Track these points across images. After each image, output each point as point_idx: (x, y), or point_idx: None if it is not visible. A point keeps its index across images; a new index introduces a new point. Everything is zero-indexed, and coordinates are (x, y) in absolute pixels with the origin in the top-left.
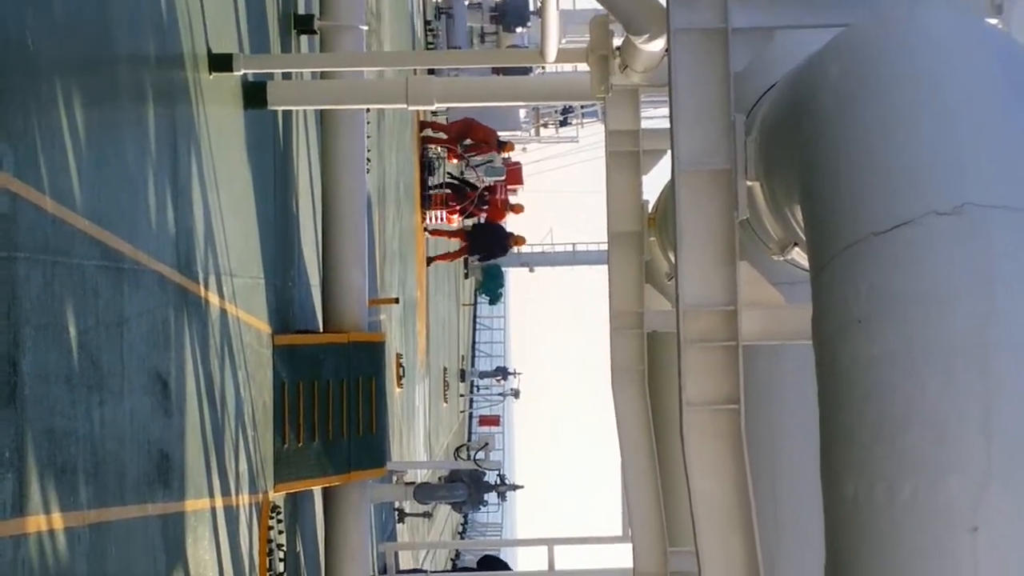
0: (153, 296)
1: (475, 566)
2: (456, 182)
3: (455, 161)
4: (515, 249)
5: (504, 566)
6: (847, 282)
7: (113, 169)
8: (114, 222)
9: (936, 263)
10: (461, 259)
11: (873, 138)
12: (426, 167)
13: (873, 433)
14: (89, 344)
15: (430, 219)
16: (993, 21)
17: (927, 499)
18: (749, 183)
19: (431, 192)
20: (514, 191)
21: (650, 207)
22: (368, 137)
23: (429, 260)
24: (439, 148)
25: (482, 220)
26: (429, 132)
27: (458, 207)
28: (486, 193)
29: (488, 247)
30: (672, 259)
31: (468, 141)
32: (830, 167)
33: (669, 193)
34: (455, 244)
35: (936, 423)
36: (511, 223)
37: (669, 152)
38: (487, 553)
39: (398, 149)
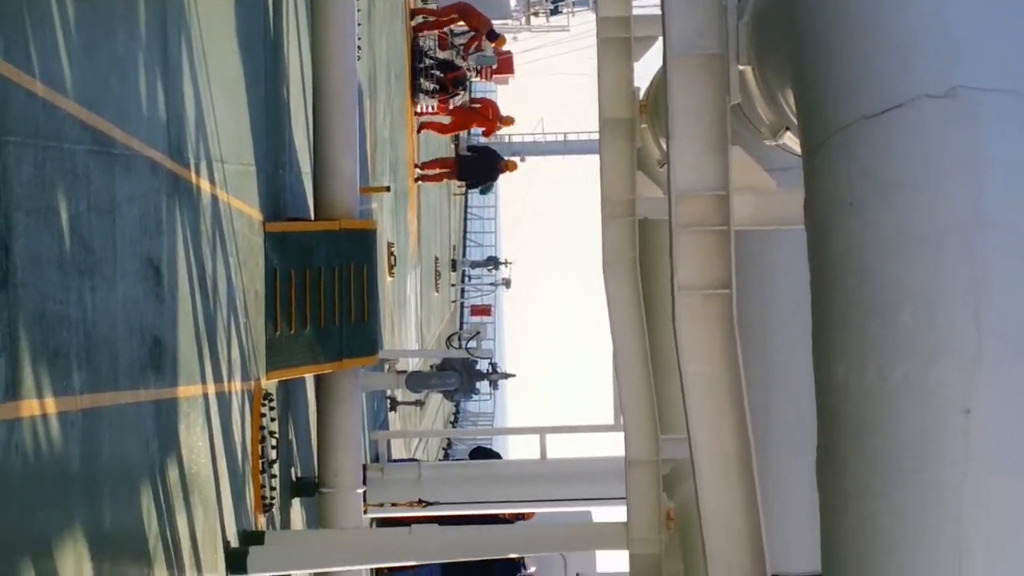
0: (144, 181)
1: (467, 457)
2: (444, 64)
3: (447, 50)
4: (508, 171)
5: (495, 457)
6: (839, 165)
7: (103, 53)
8: (105, 107)
9: (927, 146)
10: (453, 181)
11: (865, 21)
12: (417, 56)
13: (864, 316)
14: (81, 229)
15: (421, 108)
16: None
17: (918, 381)
18: (741, 67)
19: (422, 77)
20: (504, 81)
21: (641, 94)
22: (359, 25)
23: (418, 179)
24: (428, 33)
25: (477, 144)
26: (421, 20)
27: (448, 96)
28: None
29: (479, 173)
30: (664, 146)
31: (463, 27)
32: (822, 50)
33: (661, 79)
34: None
35: (927, 306)
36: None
37: (661, 38)
38: (479, 444)
39: (389, 37)
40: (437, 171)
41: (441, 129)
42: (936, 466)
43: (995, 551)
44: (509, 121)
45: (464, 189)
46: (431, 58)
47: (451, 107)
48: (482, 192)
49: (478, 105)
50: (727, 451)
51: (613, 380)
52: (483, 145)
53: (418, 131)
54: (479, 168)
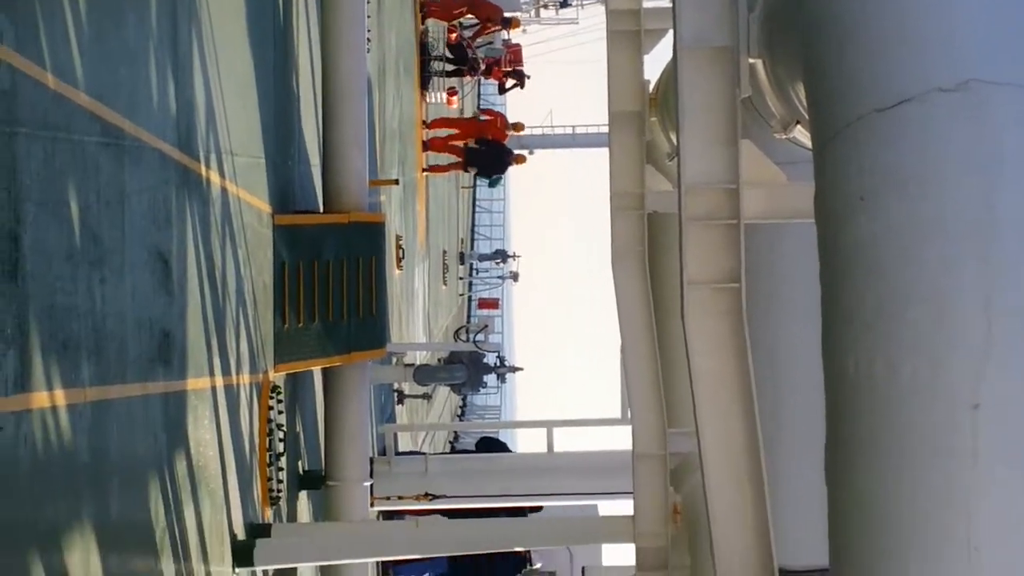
0: (154, 173)
1: (473, 448)
2: (453, 56)
3: (455, 41)
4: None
5: (503, 447)
6: (850, 159)
7: (113, 45)
8: (115, 99)
9: (939, 140)
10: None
11: (875, 14)
12: (426, 48)
13: (874, 310)
14: (90, 221)
15: (429, 97)
16: None
17: (927, 376)
18: (751, 60)
19: (431, 71)
20: (514, 69)
21: (651, 87)
22: (368, 17)
23: (425, 170)
24: (439, 22)
25: (482, 141)
26: (438, 9)
27: (456, 90)
28: (492, 63)
29: (488, 165)
30: (673, 139)
31: (472, 19)
32: (833, 43)
33: (671, 72)
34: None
35: (937, 301)
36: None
37: (671, 31)
38: (485, 435)
39: (398, 29)
40: (448, 160)
41: (446, 142)
42: (945, 460)
43: (1004, 545)
44: (519, 128)
45: (473, 180)
46: (439, 57)
47: (459, 99)
48: (491, 185)
49: (487, 117)
50: (735, 445)
51: (621, 374)
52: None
53: (424, 145)
54: (488, 159)
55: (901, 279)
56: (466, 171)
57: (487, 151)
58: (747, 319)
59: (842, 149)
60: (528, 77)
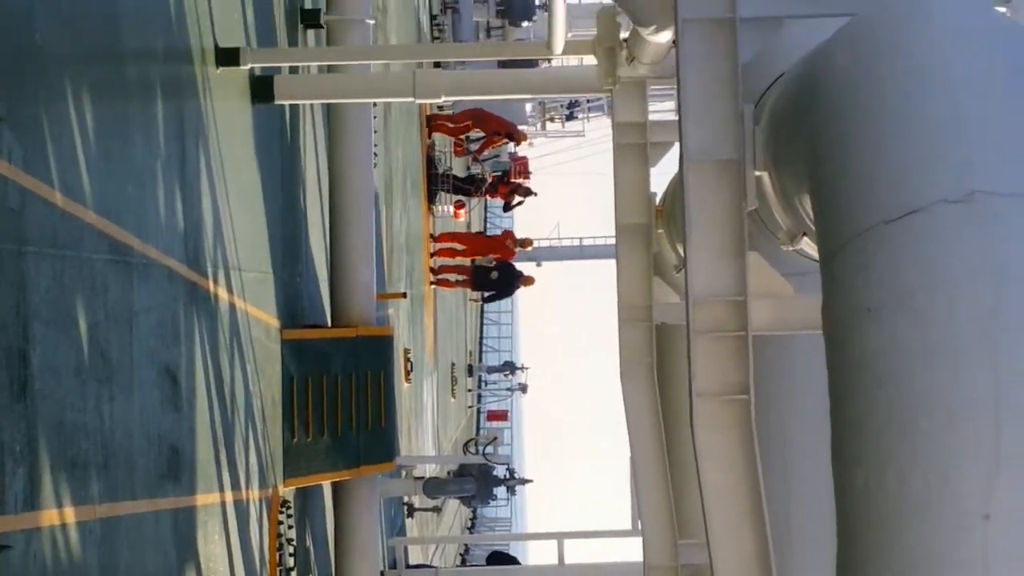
0: (162, 290)
1: (484, 562)
2: (460, 180)
3: (461, 155)
4: (526, 287)
5: (513, 561)
6: (857, 270)
7: (121, 163)
8: (123, 216)
9: (946, 251)
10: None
11: (881, 127)
12: (433, 163)
13: (884, 421)
14: (99, 338)
15: (436, 211)
16: (1001, 9)
17: (938, 487)
18: (757, 173)
19: (438, 185)
20: (525, 180)
21: (658, 199)
22: (375, 132)
23: (433, 282)
24: (445, 136)
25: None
26: (444, 123)
27: (463, 203)
28: (496, 179)
29: (498, 289)
30: (680, 251)
31: (478, 133)
32: (839, 156)
33: (677, 185)
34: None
35: (946, 411)
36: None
37: (677, 144)
38: (496, 549)
39: (405, 143)
40: (455, 277)
41: (453, 256)
42: (955, 572)
43: None
44: (527, 244)
45: (482, 301)
46: (448, 177)
47: (466, 211)
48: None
49: (497, 234)
50: (747, 558)
51: (631, 485)
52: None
53: (432, 255)
54: (497, 283)
55: (910, 390)
56: (474, 290)
57: (497, 275)
58: (757, 431)
59: (849, 260)
60: (534, 194)
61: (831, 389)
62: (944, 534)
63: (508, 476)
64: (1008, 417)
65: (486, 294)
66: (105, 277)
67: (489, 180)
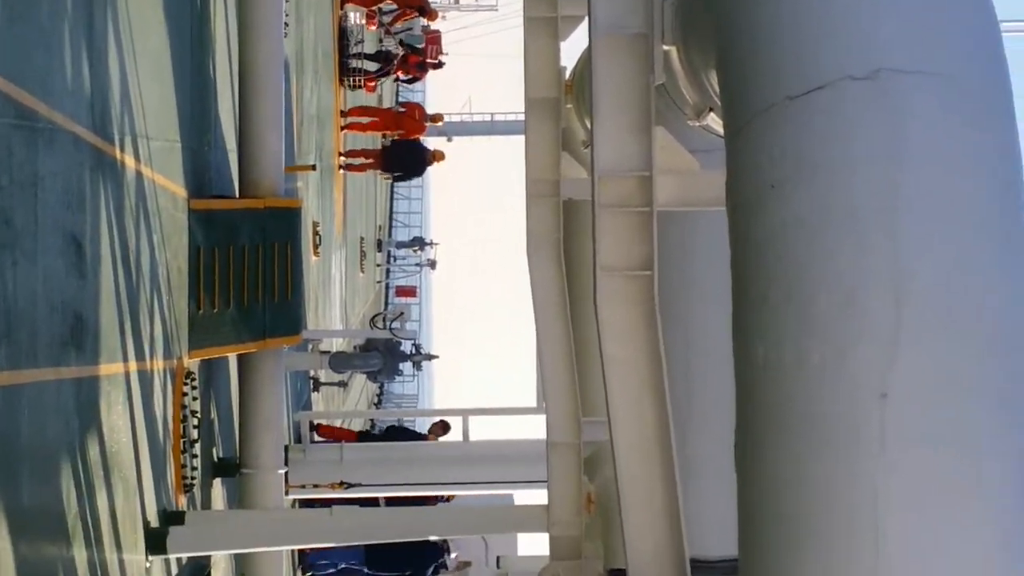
0: (68, 156)
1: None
2: (373, 56)
3: (374, 28)
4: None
5: (411, 435)
6: (761, 147)
7: (27, 26)
8: (29, 80)
9: (849, 128)
10: (380, 172)
11: (788, 2)
12: (345, 34)
13: (784, 297)
14: (2, 203)
15: (348, 84)
16: None
17: (835, 365)
18: (666, 47)
19: (350, 65)
20: (434, 62)
21: (567, 74)
22: (286, 1)
23: (342, 167)
24: (357, 7)
25: (396, 139)
26: None
27: (375, 76)
28: (406, 55)
29: (406, 166)
30: (589, 126)
31: (391, 5)
32: (746, 31)
33: (587, 58)
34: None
35: (846, 289)
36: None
37: (587, 17)
38: (393, 423)
39: (317, 14)
40: (362, 161)
41: (363, 129)
42: (852, 448)
43: (911, 529)
44: (438, 119)
45: (391, 181)
46: (359, 55)
47: (377, 85)
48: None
49: (403, 109)
50: (647, 433)
51: (536, 362)
52: (407, 139)
53: (342, 129)
54: (407, 161)
55: (810, 266)
56: (384, 172)
57: (405, 152)
58: (660, 307)
59: (753, 136)
60: (441, 65)
61: (733, 265)
62: (841, 412)
63: (414, 352)
64: (907, 295)
65: (396, 174)
66: (9, 141)
67: (400, 54)
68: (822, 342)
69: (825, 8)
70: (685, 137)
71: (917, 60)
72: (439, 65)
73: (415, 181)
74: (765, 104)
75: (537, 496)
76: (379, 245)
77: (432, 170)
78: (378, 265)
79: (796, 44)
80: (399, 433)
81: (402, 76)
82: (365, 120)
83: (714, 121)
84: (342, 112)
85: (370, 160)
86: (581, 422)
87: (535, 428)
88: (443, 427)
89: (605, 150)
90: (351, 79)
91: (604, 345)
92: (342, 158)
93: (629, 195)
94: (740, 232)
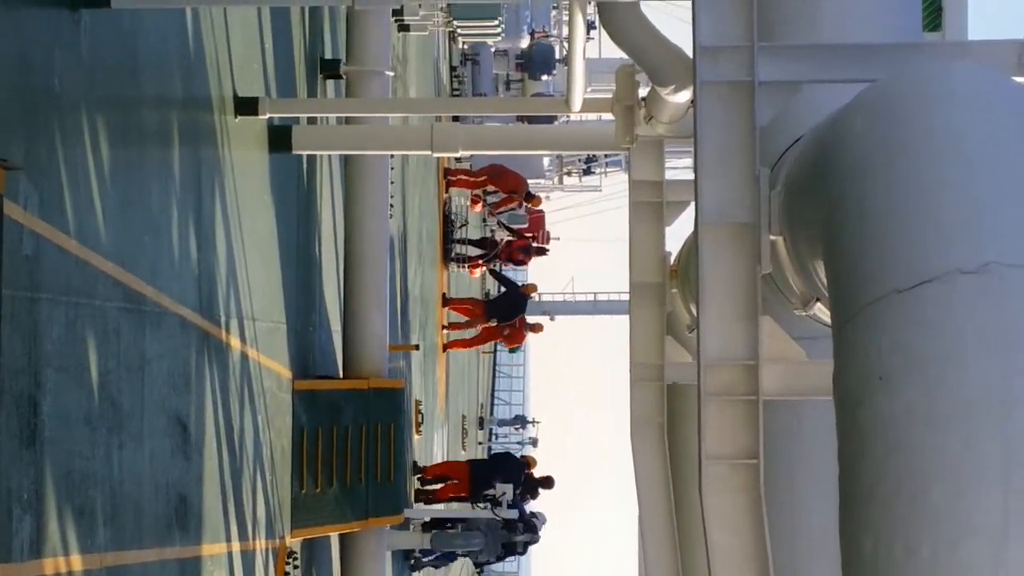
0: (174, 339)
1: None
2: (477, 242)
3: (478, 209)
4: (533, 296)
5: None
6: (869, 338)
7: (137, 211)
8: (137, 264)
9: (958, 321)
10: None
11: (897, 195)
12: (448, 220)
13: (892, 490)
14: (110, 386)
15: (452, 269)
16: (1020, 79)
17: (946, 558)
18: (772, 237)
19: (453, 246)
20: (540, 247)
21: (672, 259)
22: (391, 183)
23: (446, 347)
24: (462, 190)
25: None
26: (461, 177)
27: (480, 261)
28: (510, 241)
29: (505, 310)
30: (694, 311)
31: (493, 190)
32: (854, 223)
33: (692, 245)
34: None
35: (956, 482)
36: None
37: (693, 204)
38: None
39: (421, 196)
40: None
41: (467, 346)
42: None
43: None
44: (531, 289)
45: (494, 346)
46: (463, 241)
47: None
48: (511, 351)
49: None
50: None
51: (638, 544)
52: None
53: (444, 350)
54: (505, 304)
55: (920, 459)
56: (487, 322)
57: (501, 298)
58: (765, 495)
59: (862, 328)
60: (546, 251)
61: (840, 456)
62: None
63: (521, 524)
64: (1017, 488)
65: (499, 319)
66: (118, 325)
67: (503, 240)
68: (932, 536)
69: (933, 202)
70: (791, 325)
71: None
72: (543, 252)
73: (517, 359)
74: (873, 296)
75: None
76: (481, 423)
77: (534, 349)
78: (480, 443)
79: (904, 237)
80: None
81: (505, 260)
82: (468, 335)
83: (821, 311)
84: (444, 297)
85: (476, 336)
86: None
87: None
88: None
89: (711, 339)
90: (455, 262)
91: (709, 532)
92: (445, 331)
93: (735, 384)
94: (847, 423)
